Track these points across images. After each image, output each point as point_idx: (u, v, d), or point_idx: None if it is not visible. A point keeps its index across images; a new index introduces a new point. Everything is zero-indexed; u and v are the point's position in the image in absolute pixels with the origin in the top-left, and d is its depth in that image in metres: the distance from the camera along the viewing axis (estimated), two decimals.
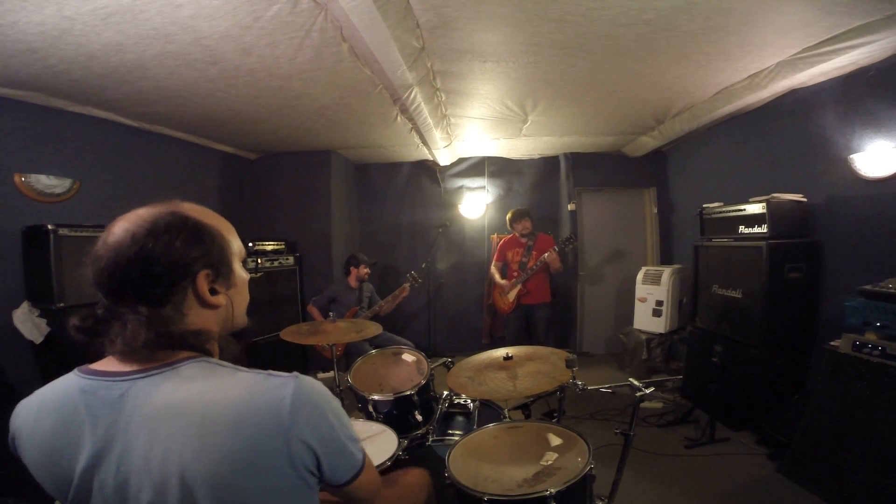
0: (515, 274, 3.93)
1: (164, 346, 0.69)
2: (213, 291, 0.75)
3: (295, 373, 0.71)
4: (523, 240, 3.97)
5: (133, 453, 0.64)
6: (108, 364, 0.71)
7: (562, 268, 3.87)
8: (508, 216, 4.09)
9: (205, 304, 0.74)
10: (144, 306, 0.69)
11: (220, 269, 0.76)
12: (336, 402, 0.75)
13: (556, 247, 3.77)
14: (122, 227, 0.70)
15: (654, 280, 4.18)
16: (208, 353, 0.73)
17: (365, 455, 0.80)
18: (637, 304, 4.29)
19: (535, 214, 5.13)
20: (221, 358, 0.76)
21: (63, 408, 0.68)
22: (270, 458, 0.65)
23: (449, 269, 5.30)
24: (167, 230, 0.70)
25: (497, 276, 4.09)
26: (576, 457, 1.42)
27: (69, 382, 0.71)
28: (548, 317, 3.93)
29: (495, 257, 4.19)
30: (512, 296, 3.90)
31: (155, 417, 0.64)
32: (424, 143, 4.17)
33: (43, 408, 0.69)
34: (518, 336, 3.98)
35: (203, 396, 0.66)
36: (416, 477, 1.38)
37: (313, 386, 0.71)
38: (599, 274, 5.09)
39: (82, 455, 0.65)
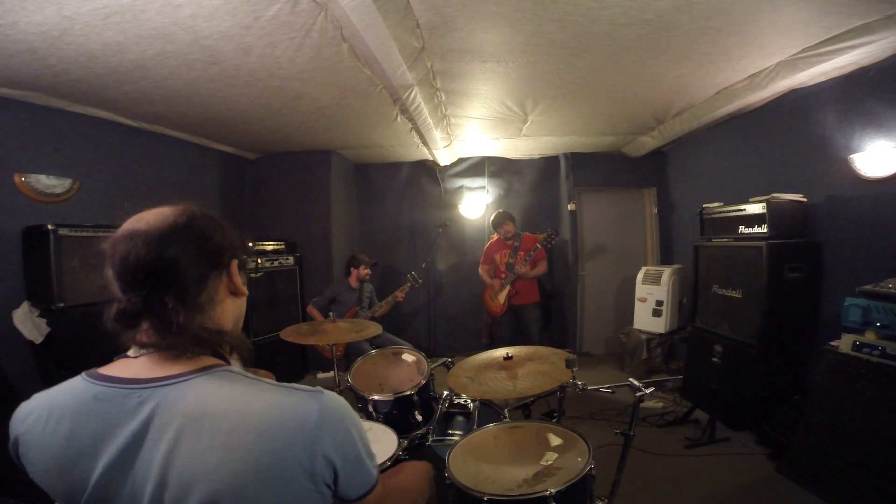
0: (503, 276, 3.95)
1: (200, 342, 0.69)
2: None
3: (318, 387, 0.72)
4: (509, 241, 4.00)
5: (153, 463, 0.62)
6: (121, 369, 0.69)
7: (545, 270, 3.91)
8: (491, 220, 4.12)
9: (235, 292, 0.78)
10: (183, 294, 0.69)
11: (242, 261, 0.80)
12: (357, 418, 0.75)
13: (538, 244, 3.80)
14: (158, 216, 0.71)
15: (654, 280, 4.18)
16: (224, 357, 0.74)
17: (378, 472, 0.80)
18: (637, 304, 4.29)
19: (535, 214, 5.19)
20: (234, 355, 0.76)
21: (76, 415, 0.66)
22: (293, 472, 0.65)
23: (449, 269, 5.31)
24: (205, 217, 0.75)
25: (486, 278, 4.12)
26: (576, 457, 1.42)
27: (78, 388, 0.68)
28: (538, 317, 3.95)
29: (482, 260, 4.22)
30: (502, 297, 3.92)
31: (179, 427, 0.63)
32: (424, 143, 4.17)
33: (53, 414, 0.67)
34: (513, 338, 4.00)
35: (230, 408, 0.65)
36: (419, 468, 1.37)
37: (338, 401, 0.72)
38: (599, 274, 5.09)
39: (98, 465, 0.64)
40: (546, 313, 4.41)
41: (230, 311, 0.78)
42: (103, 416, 0.65)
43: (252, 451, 0.62)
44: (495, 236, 4.16)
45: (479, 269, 4.22)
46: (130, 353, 0.71)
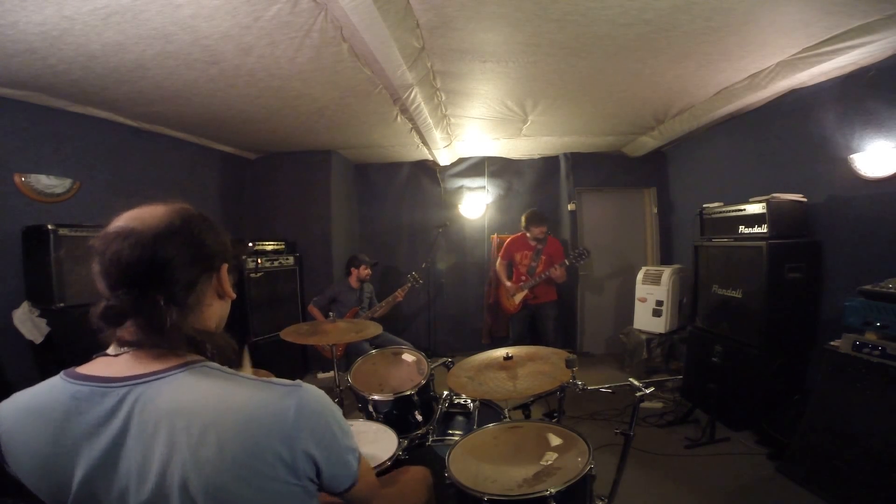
0: (523, 277, 3.89)
1: (188, 341, 0.69)
2: None
3: (298, 381, 0.71)
4: (533, 242, 3.91)
5: (133, 461, 0.62)
6: (100, 367, 0.68)
7: (565, 278, 3.84)
8: (525, 216, 3.95)
9: (222, 295, 0.78)
10: (174, 295, 0.69)
11: (232, 265, 0.80)
12: (338, 412, 0.75)
13: (566, 260, 3.72)
14: (154, 215, 0.70)
15: (654, 280, 4.18)
16: (205, 355, 0.73)
17: (360, 462, 0.80)
18: (637, 304, 4.29)
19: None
20: (218, 356, 0.75)
21: (54, 415, 0.65)
22: (273, 467, 0.64)
23: (449, 269, 5.30)
24: (201, 220, 0.74)
25: (503, 276, 4.03)
26: (576, 457, 1.42)
27: (56, 388, 0.67)
28: (556, 315, 3.91)
29: (501, 255, 4.12)
30: (518, 298, 3.89)
31: (155, 425, 0.62)
32: (424, 143, 4.16)
33: (31, 415, 0.66)
34: (522, 336, 3.97)
35: (206, 404, 0.65)
36: (417, 475, 1.38)
37: (317, 395, 0.71)
38: (599, 274, 5.09)
39: (80, 465, 0.63)
40: (562, 312, 4.32)
41: (216, 312, 0.78)
42: (82, 415, 0.64)
43: (228, 446, 0.62)
44: (509, 235, 4.09)
45: (497, 265, 4.11)
46: (110, 350, 0.70)
